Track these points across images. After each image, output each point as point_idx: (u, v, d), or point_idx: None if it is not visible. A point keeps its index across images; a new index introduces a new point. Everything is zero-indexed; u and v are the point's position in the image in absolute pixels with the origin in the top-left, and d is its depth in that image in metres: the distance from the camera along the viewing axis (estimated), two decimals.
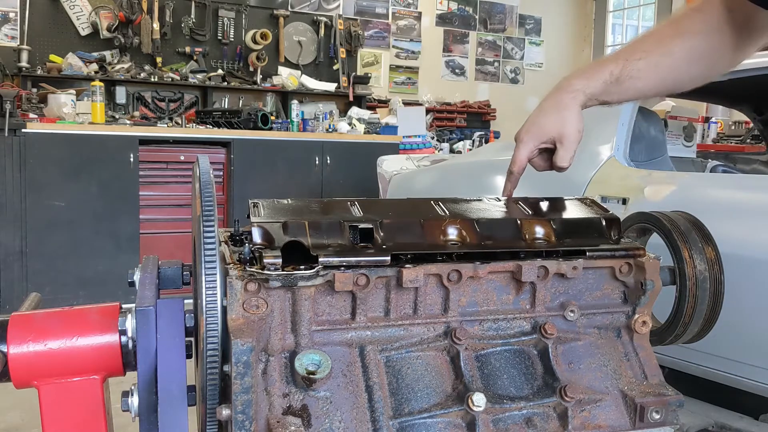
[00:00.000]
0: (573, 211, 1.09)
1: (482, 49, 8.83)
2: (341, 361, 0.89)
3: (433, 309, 0.94)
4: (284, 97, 6.54)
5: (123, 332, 0.90)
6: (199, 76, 6.12)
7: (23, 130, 4.37)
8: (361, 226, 0.93)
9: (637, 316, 1.02)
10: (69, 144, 4.58)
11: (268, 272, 0.84)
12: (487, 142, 7.03)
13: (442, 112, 8.08)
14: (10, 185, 4.36)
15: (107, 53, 5.84)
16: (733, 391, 1.93)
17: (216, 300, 0.82)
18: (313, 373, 0.83)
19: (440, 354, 0.94)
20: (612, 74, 1.14)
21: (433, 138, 6.84)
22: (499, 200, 1.11)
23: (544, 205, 1.09)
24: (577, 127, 1.16)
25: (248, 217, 0.95)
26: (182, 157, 5.00)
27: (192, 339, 0.91)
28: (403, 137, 6.05)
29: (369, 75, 7.22)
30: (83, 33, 5.87)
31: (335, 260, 0.87)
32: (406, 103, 7.62)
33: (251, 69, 6.47)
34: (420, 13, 8.36)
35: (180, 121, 5.40)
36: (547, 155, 1.21)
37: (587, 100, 1.16)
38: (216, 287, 0.83)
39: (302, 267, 0.86)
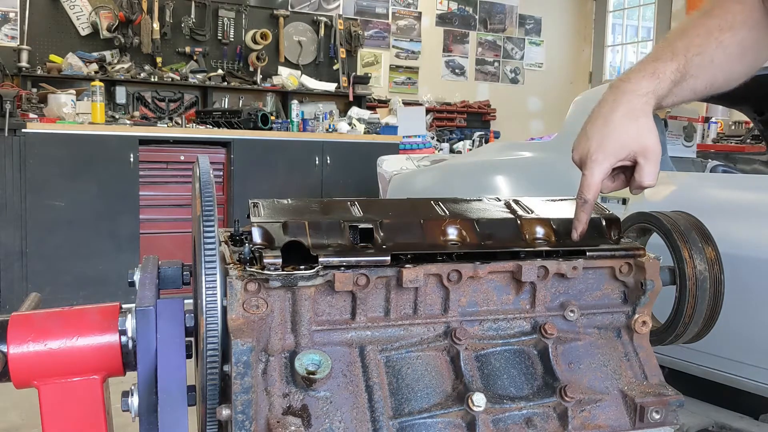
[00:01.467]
0: (573, 211, 1.08)
1: (482, 49, 8.83)
2: (341, 361, 0.89)
3: (433, 309, 0.94)
4: (284, 97, 6.54)
5: (123, 332, 0.90)
6: (199, 76, 6.12)
7: (23, 130, 4.37)
8: (361, 226, 0.93)
9: (637, 316, 1.02)
10: (69, 144, 4.57)
11: (268, 272, 0.84)
12: (487, 142, 7.03)
13: (442, 112, 8.08)
14: (10, 185, 4.35)
15: (107, 53, 5.84)
16: (733, 391, 1.93)
17: (216, 300, 0.82)
18: (313, 373, 0.83)
19: (440, 354, 0.94)
20: (678, 71, 1.00)
21: (433, 138, 6.83)
22: (499, 200, 1.11)
23: (544, 205, 1.09)
24: (658, 137, 0.98)
25: (248, 217, 0.95)
26: (182, 157, 5.00)
27: (192, 339, 0.91)
28: (403, 137, 6.04)
29: (369, 75, 7.22)
30: (83, 33, 5.87)
31: (335, 260, 0.87)
32: (406, 103, 7.62)
33: (251, 69, 6.47)
34: (420, 13, 8.35)
35: (180, 121, 5.40)
36: (617, 172, 1.03)
37: (656, 105, 1.00)
38: (216, 287, 0.83)
39: (302, 267, 0.86)
